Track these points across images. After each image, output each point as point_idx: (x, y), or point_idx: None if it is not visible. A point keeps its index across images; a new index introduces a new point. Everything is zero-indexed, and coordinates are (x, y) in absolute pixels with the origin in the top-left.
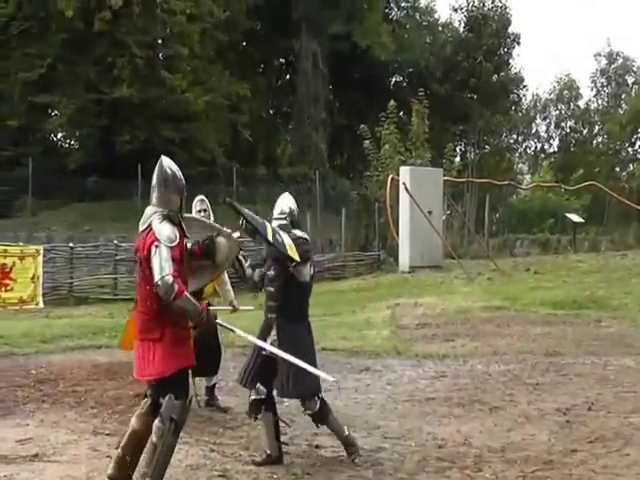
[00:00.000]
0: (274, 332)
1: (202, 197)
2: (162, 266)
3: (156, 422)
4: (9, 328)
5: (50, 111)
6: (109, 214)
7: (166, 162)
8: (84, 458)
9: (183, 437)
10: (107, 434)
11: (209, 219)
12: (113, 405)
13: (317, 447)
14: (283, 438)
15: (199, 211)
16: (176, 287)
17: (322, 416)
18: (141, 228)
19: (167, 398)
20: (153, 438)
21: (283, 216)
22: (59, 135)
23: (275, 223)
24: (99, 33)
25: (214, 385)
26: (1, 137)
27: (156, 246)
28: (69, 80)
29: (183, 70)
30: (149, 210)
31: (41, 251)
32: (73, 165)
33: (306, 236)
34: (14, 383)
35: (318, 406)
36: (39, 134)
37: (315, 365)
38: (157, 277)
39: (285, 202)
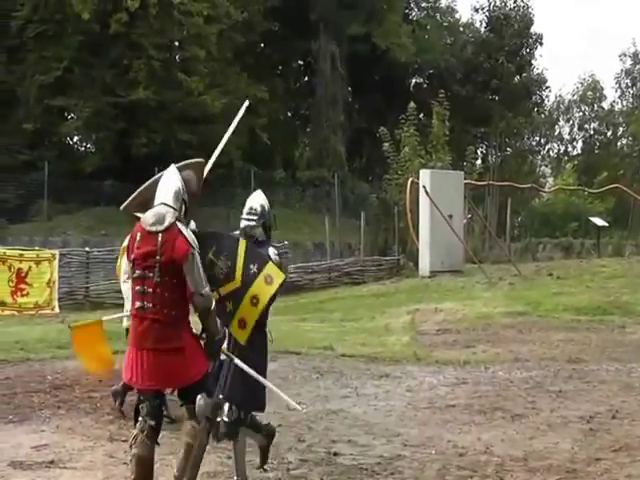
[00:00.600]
0: (227, 342)
1: None
2: (202, 276)
3: (191, 423)
4: (25, 333)
5: (66, 114)
6: (125, 218)
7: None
8: (100, 465)
9: None
10: (123, 440)
11: None
12: (129, 411)
13: (335, 455)
14: (301, 445)
15: None
16: (213, 301)
17: (233, 433)
18: (154, 228)
19: (199, 397)
20: (187, 439)
21: (254, 217)
22: (75, 138)
23: (243, 223)
24: (115, 35)
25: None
26: (17, 140)
27: (192, 254)
28: (85, 83)
29: (200, 72)
30: (162, 209)
31: (57, 255)
32: (89, 169)
33: (278, 258)
34: (30, 389)
35: (238, 420)
36: (55, 137)
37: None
38: (200, 288)
39: (256, 200)
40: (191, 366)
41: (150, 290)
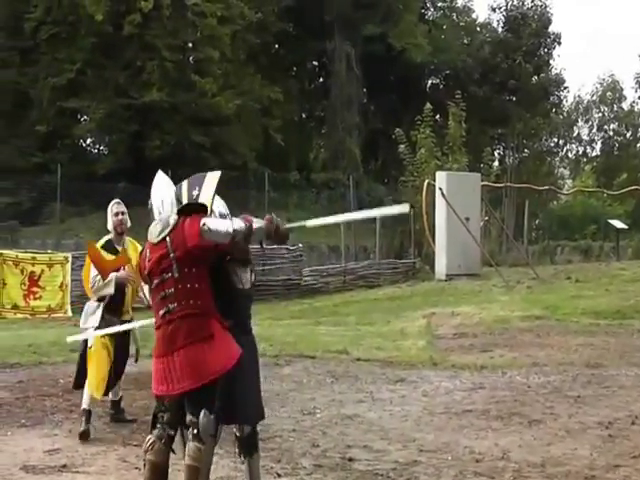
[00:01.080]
0: None
1: (118, 200)
2: (224, 223)
3: (195, 444)
4: (38, 336)
5: (79, 116)
6: (138, 221)
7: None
8: (113, 469)
9: None
10: (136, 445)
11: (127, 223)
12: (142, 415)
13: (350, 460)
14: (316, 451)
15: (116, 214)
16: (245, 221)
17: (255, 443)
18: (163, 233)
19: (202, 415)
20: (192, 462)
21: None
22: (88, 141)
23: None
24: (129, 37)
25: (120, 399)
26: (30, 143)
27: (204, 224)
28: (98, 85)
29: (214, 73)
30: (164, 216)
31: (69, 259)
32: (102, 171)
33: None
34: (42, 392)
35: (253, 432)
36: (68, 140)
37: (259, 390)
38: (231, 227)
39: None
40: (222, 354)
41: (171, 290)
